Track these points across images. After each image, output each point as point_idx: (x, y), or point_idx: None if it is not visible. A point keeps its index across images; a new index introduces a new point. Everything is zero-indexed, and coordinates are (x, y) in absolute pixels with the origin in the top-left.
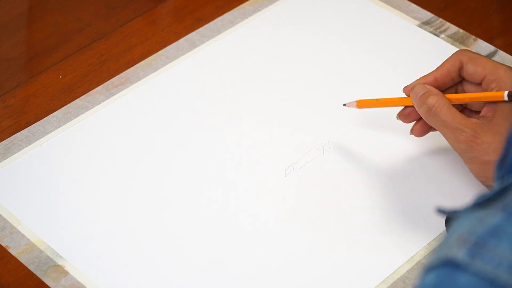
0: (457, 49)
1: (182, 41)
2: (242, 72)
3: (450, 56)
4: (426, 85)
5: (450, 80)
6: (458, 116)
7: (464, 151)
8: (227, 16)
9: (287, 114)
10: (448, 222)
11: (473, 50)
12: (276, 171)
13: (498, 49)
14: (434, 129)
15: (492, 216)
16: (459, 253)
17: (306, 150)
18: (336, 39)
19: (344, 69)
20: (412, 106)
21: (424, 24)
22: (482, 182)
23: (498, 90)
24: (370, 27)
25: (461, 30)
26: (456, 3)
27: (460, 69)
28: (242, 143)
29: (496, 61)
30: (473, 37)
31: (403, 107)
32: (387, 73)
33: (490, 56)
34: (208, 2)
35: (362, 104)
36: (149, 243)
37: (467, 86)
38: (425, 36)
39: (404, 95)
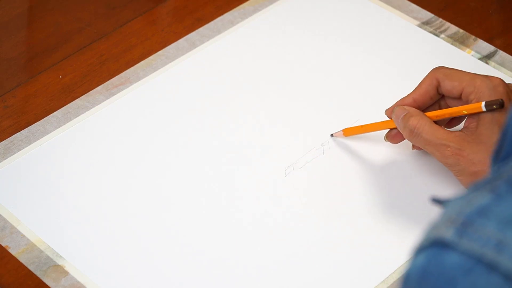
0: (457, 49)
1: (182, 41)
2: (242, 72)
3: (426, 76)
4: (405, 107)
5: (429, 99)
6: (441, 132)
7: (452, 165)
8: (227, 16)
9: (287, 114)
10: None
11: (473, 50)
12: (276, 171)
13: (498, 49)
14: None
15: (480, 197)
16: (447, 233)
17: (306, 150)
18: (336, 39)
19: (344, 69)
20: (396, 128)
21: (424, 24)
22: None
23: (477, 101)
24: (370, 27)
25: (461, 30)
26: (456, 3)
27: (438, 86)
28: (242, 143)
29: (472, 73)
30: (473, 37)
31: (388, 129)
32: (387, 73)
33: (490, 56)
34: (208, 2)
35: (348, 132)
36: (149, 243)
37: (448, 100)
38: (425, 36)
39: (387, 118)
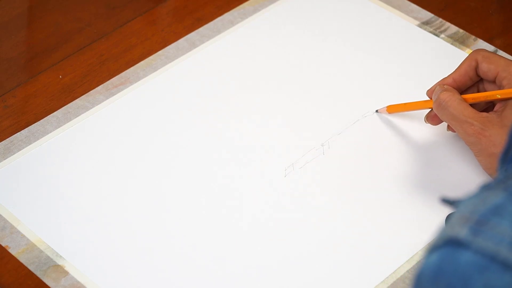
0: (457, 49)
1: (182, 41)
2: (242, 72)
3: (467, 57)
4: (445, 85)
5: (468, 80)
6: (468, 110)
7: (473, 144)
8: (227, 16)
9: (287, 114)
10: (448, 220)
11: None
12: (276, 171)
13: (498, 49)
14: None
15: (494, 196)
16: (462, 232)
17: (306, 150)
18: (336, 39)
19: (344, 69)
20: None
21: (424, 24)
22: (490, 175)
23: (508, 86)
24: (370, 27)
25: (461, 30)
26: (456, 3)
27: (476, 68)
28: (242, 143)
29: (509, 59)
30: (473, 37)
31: (429, 110)
32: (387, 73)
33: None
34: (208, 2)
35: (392, 109)
36: (149, 243)
37: (485, 84)
38: (425, 36)
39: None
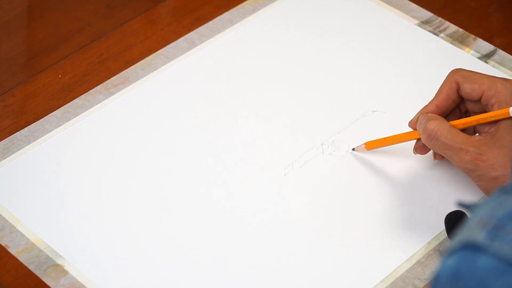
0: (457, 48)
1: (181, 41)
2: (242, 71)
3: (445, 79)
4: (428, 114)
5: (451, 103)
6: (460, 136)
7: (471, 171)
8: (226, 15)
9: (287, 113)
10: (447, 222)
11: (472, 50)
12: (276, 170)
13: (498, 48)
14: None
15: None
16: (479, 236)
17: (305, 149)
18: (336, 39)
19: (344, 69)
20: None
21: (424, 23)
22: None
23: (498, 104)
24: (369, 26)
25: (460, 29)
26: (456, 2)
27: (458, 90)
28: (242, 142)
29: (491, 76)
30: (473, 36)
31: (416, 140)
32: (387, 73)
33: (489, 55)
34: (208, 2)
35: (370, 145)
36: (149, 242)
37: (468, 104)
38: (425, 35)
39: (410, 129)
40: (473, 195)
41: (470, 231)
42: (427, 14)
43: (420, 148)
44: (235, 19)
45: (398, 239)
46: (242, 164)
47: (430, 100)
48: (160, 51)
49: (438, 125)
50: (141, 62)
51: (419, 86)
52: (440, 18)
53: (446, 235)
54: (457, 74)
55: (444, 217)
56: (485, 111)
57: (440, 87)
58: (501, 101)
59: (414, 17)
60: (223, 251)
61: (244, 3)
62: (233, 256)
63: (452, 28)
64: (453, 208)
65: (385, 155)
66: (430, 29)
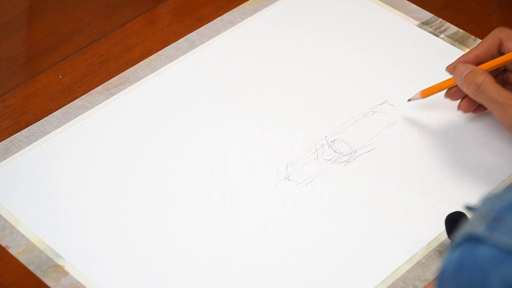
0: (457, 49)
1: (181, 41)
2: (242, 72)
3: (490, 34)
4: (468, 64)
5: (490, 57)
6: (504, 92)
7: None
8: (226, 16)
9: (287, 114)
10: (447, 223)
11: None
12: (276, 171)
13: None
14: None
15: (511, 194)
16: (480, 228)
17: (306, 149)
18: (336, 39)
19: (344, 69)
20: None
21: (424, 24)
22: None
23: None
24: (370, 27)
25: (460, 30)
26: (456, 3)
27: (500, 46)
28: (242, 143)
29: None
30: (473, 37)
31: (460, 100)
32: (387, 73)
33: None
34: (208, 2)
35: (426, 92)
36: (149, 243)
37: (508, 65)
38: (425, 36)
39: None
40: (473, 194)
41: (471, 225)
42: (427, 15)
43: (452, 94)
44: (236, 19)
45: (398, 239)
46: (243, 164)
47: (470, 50)
48: (160, 51)
49: (486, 79)
50: (142, 62)
51: (419, 87)
52: (440, 19)
53: (446, 236)
54: (502, 32)
55: (445, 218)
56: None
57: (482, 40)
58: None
59: (415, 18)
60: (223, 251)
61: (245, 4)
62: (233, 256)
63: (453, 29)
64: (453, 208)
65: (385, 155)
66: (431, 30)
